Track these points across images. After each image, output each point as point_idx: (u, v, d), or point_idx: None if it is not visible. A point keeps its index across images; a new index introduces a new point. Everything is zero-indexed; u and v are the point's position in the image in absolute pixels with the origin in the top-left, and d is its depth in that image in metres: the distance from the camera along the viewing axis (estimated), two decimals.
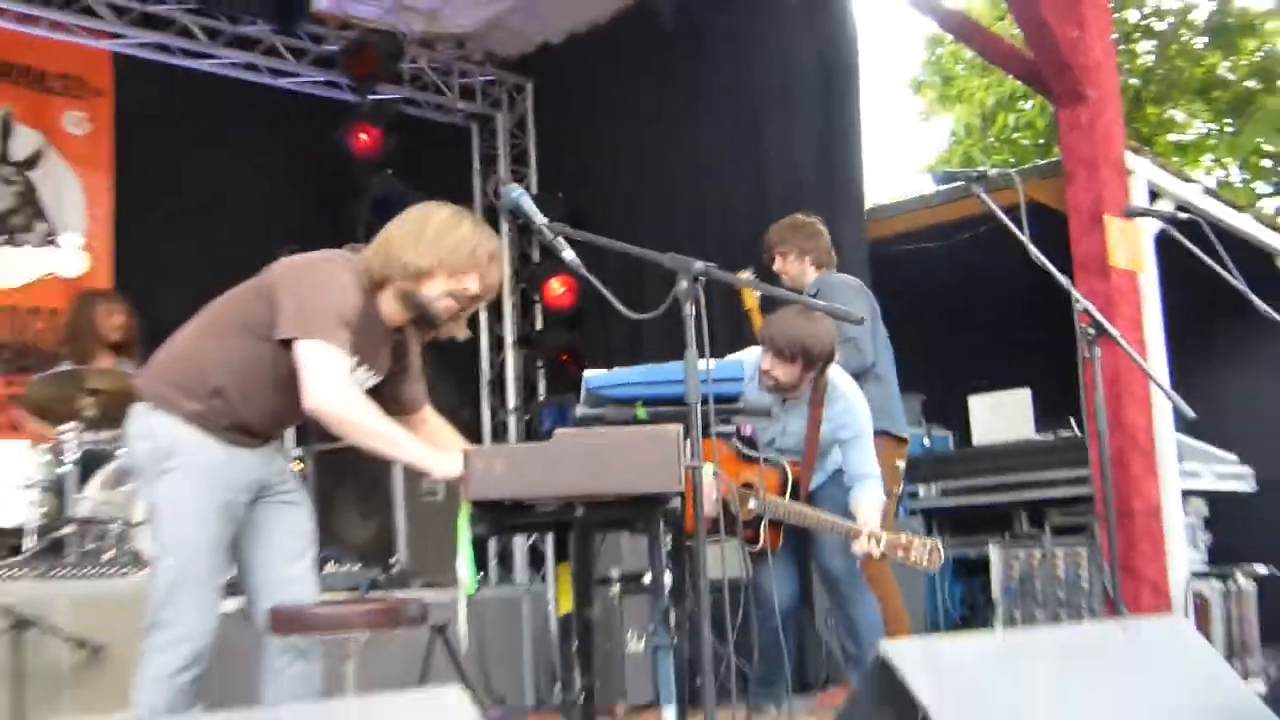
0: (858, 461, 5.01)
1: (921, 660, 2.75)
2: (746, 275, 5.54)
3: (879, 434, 5.41)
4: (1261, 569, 7.27)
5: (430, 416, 3.98)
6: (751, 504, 4.81)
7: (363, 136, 8.64)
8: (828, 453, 5.12)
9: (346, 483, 7.60)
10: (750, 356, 5.07)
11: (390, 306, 3.64)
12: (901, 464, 5.85)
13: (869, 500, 4.90)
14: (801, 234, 5.92)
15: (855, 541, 4.69)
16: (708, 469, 3.28)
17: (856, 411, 5.03)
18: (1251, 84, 16.70)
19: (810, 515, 4.87)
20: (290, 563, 3.73)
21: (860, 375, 5.46)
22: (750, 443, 4.92)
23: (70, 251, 8.16)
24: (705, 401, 3.26)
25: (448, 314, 3.64)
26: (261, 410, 3.60)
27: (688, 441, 3.07)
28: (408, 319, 3.69)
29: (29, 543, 5.83)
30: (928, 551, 4.50)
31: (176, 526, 3.51)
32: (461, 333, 3.79)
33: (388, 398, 3.76)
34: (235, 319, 3.61)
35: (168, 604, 3.47)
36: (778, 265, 5.92)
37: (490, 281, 3.67)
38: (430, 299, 3.58)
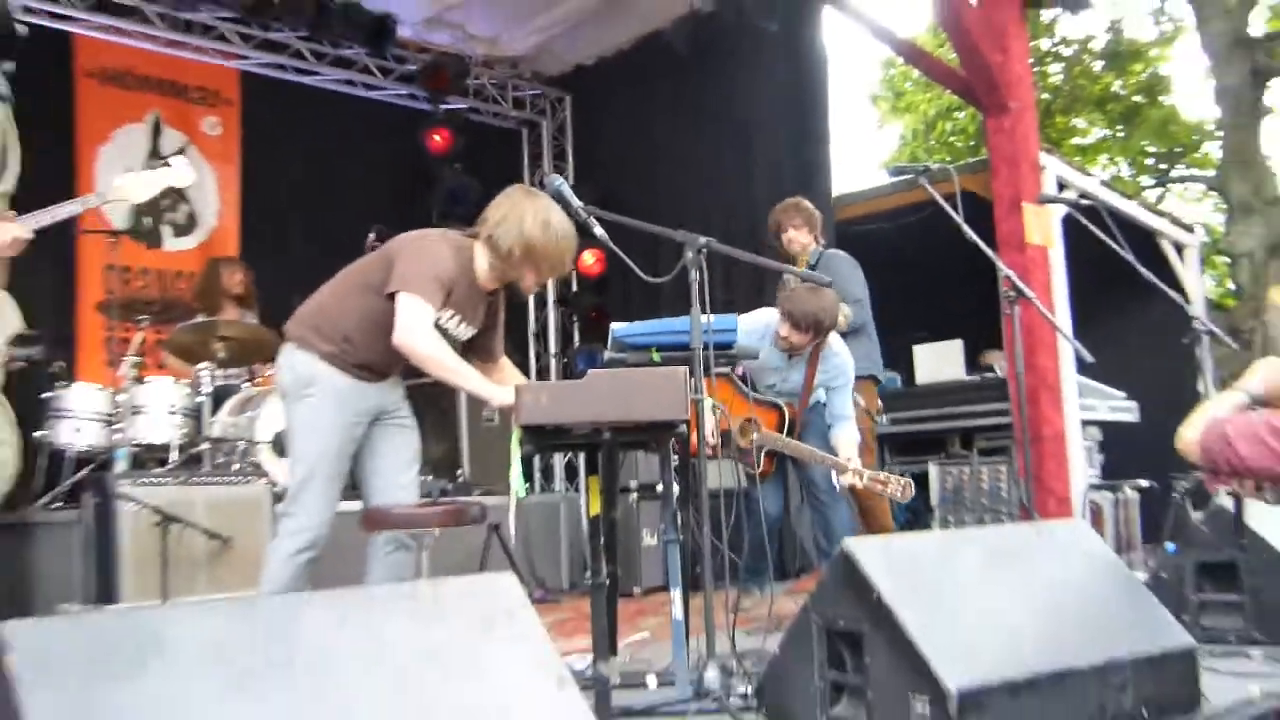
0: (840, 405, 4.99)
1: (876, 553, 2.74)
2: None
3: (865, 377, 5.46)
4: (1143, 483, 7.27)
5: (506, 365, 4.04)
6: (754, 436, 4.81)
7: (436, 138, 8.76)
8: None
9: (422, 411, 7.53)
10: (764, 317, 5.04)
11: (486, 277, 3.71)
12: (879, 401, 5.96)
13: (847, 437, 4.90)
14: (805, 212, 5.86)
15: (842, 476, 4.66)
16: (709, 403, 3.30)
17: (845, 366, 5.02)
18: (1138, 99, 16.57)
19: (804, 450, 4.85)
20: (400, 473, 3.82)
21: (857, 330, 5.56)
22: (748, 384, 4.95)
23: (205, 227, 8.16)
24: (705, 348, 3.26)
25: (531, 291, 3.85)
26: (380, 353, 3.62)
27: (691, 379, 3.06)
28: (497, 287, 3.78)
29: (173, 457, 5.85)
30: (902, 486, 4.48)
31: (309, 440, 3.59)
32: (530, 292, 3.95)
33: (479, 347, 3.86)
34: (363, 280, 3.67)
35: (295, 500, 3.56)
36: (789, 236, 5.82)
37: (566, 271, 3.88)
38: (527, 280, 3.71)
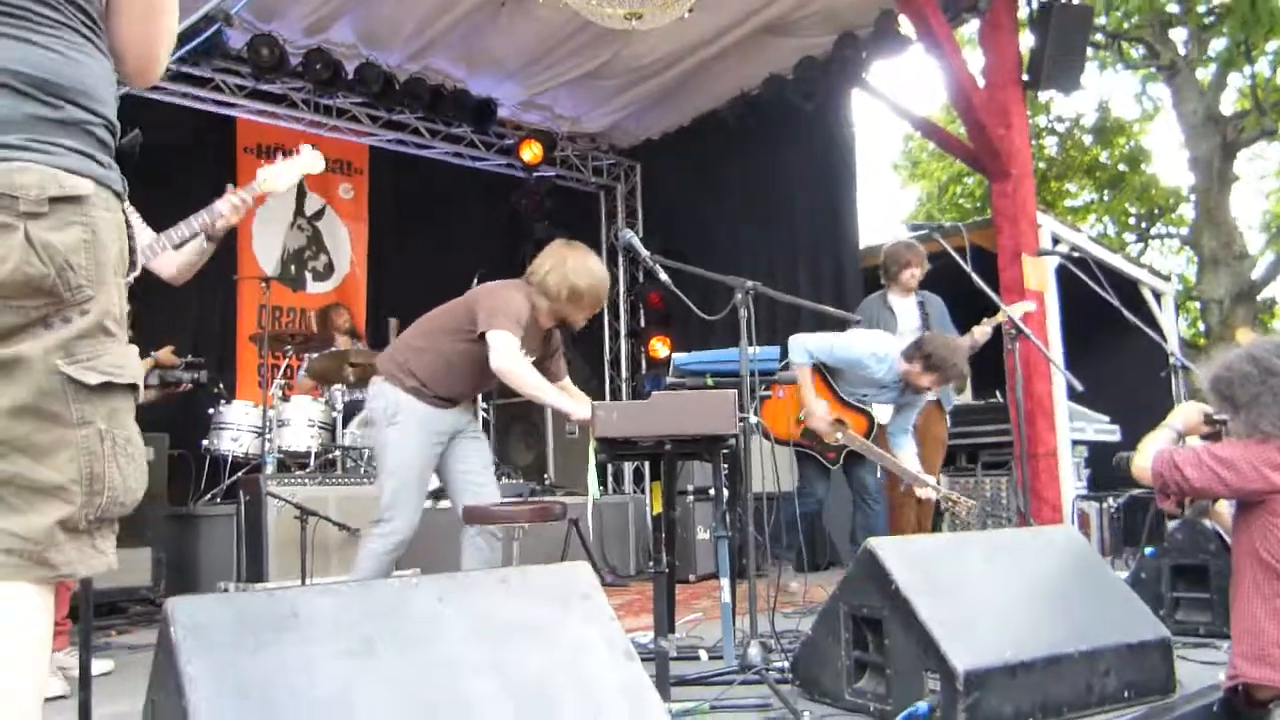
0: (905, 422, 4.87)
1: (895, 550, 2.70)
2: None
3: (935, 404, 5.36)
4: (1123, 495, 7.10)
5: (569, 385, 4.01)
6: (839, 435, 4.69)
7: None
8: None
9: (515, 424, 7.65)
10: (883, 345, 4.76)
11: (545, 317, 3.74)
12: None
13: (910, 451, 4.81)
14: (922, 253, 5.54)
15: (921, 490, 4.57)
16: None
17: (924, 395, 4.86)
18: (1122, 168, 16.27)
19: (888, 459, 4.70)
20: (479, 475, 3.82)
21: None
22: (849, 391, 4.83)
23: (340, 274, 8.29)
24: (751, 375, 3.24)
25: (580, 324, 3.83)
26: (454, 387, 3.68)
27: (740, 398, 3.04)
28: (554, 324, 3.80)
29: (311, 461, 5.93)
30: (966, 509, 4.40)
31: (399, 457, 3.61)
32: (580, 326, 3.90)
33: (542, 371, 3.80)
34: (444, 325, 3.72)
35: (389, 508, 3.59)
36: (912, 272, 5.43)
37: (603, 305, 3.86)
38: (575, 317, 3.74)
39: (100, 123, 1.40)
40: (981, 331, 5.15)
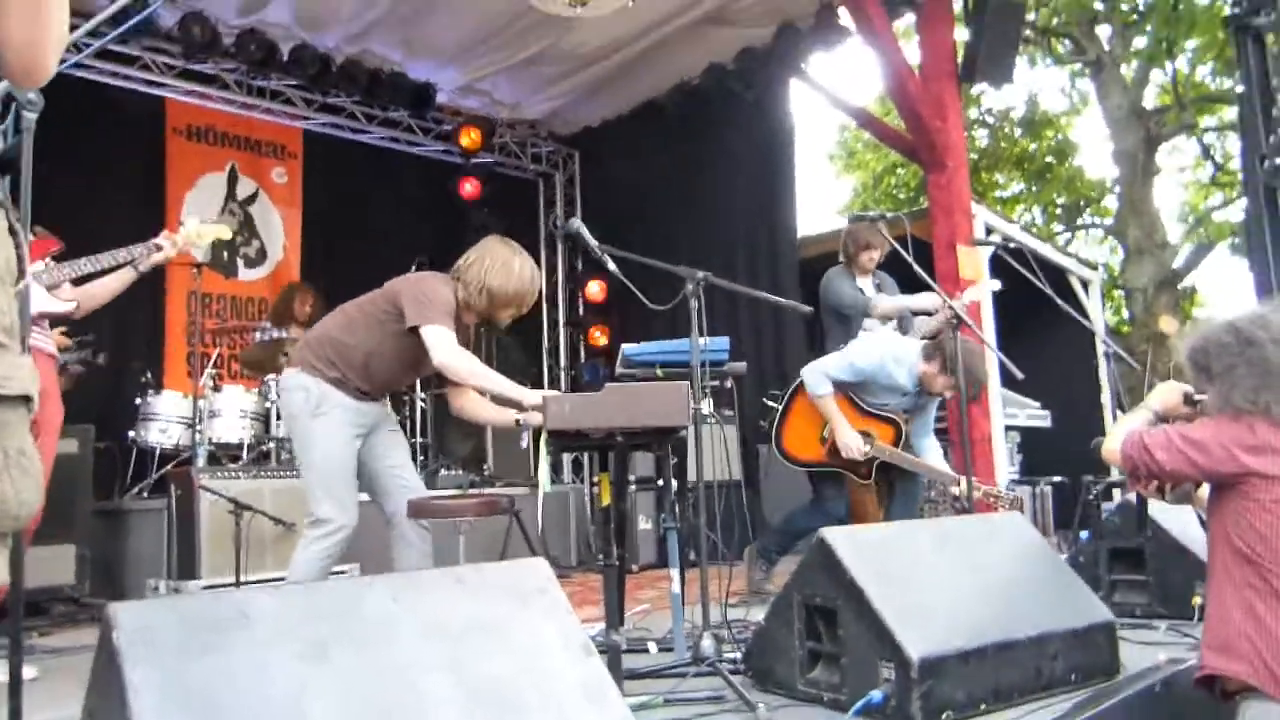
0: (925, 425, 4.74)
1: (847, 540, 2.70)
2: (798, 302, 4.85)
3: None
4: (1055, 479, 7.25)
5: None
6: (868, 448, 4.48)
7: (468, 187, 8.69)
8: None
9: (450, 415, 7.54)
10: (898, 346, 4.59)
11: (468, 314, 3.61)
12: None
13: (935, 450, 4.73)
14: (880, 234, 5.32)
15: (954, 486, 4.45)
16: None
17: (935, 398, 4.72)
18: (1050, 159, 16.61)
19: (920, 464, 4.54)
20: (406, 469, 3.69)
21: None
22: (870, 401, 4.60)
23: (273, 260, 8.09)
24: (701, 365, 3.22)
25: (506, 325, 3.68)
26: (376, 379, 3.55)
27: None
28: (478, 322, 3.67)
29: (244, 453, 5.78)
30: (1009, 502, 4.24)
31: (326, 448, 3.44)
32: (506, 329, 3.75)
33: None
34: (365, 316, 3.55)
35: (325, 502, 3.40)
36: (870, 255, 5.22)
37: (533, 303, 3.67)
38: (499, 317, 3.60)
39: None
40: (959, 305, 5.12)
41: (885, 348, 4.57)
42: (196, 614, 1.59)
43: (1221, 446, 2.34)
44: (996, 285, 5.43)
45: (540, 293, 3.79)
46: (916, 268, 4.70)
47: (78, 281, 3.62)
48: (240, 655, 1.55)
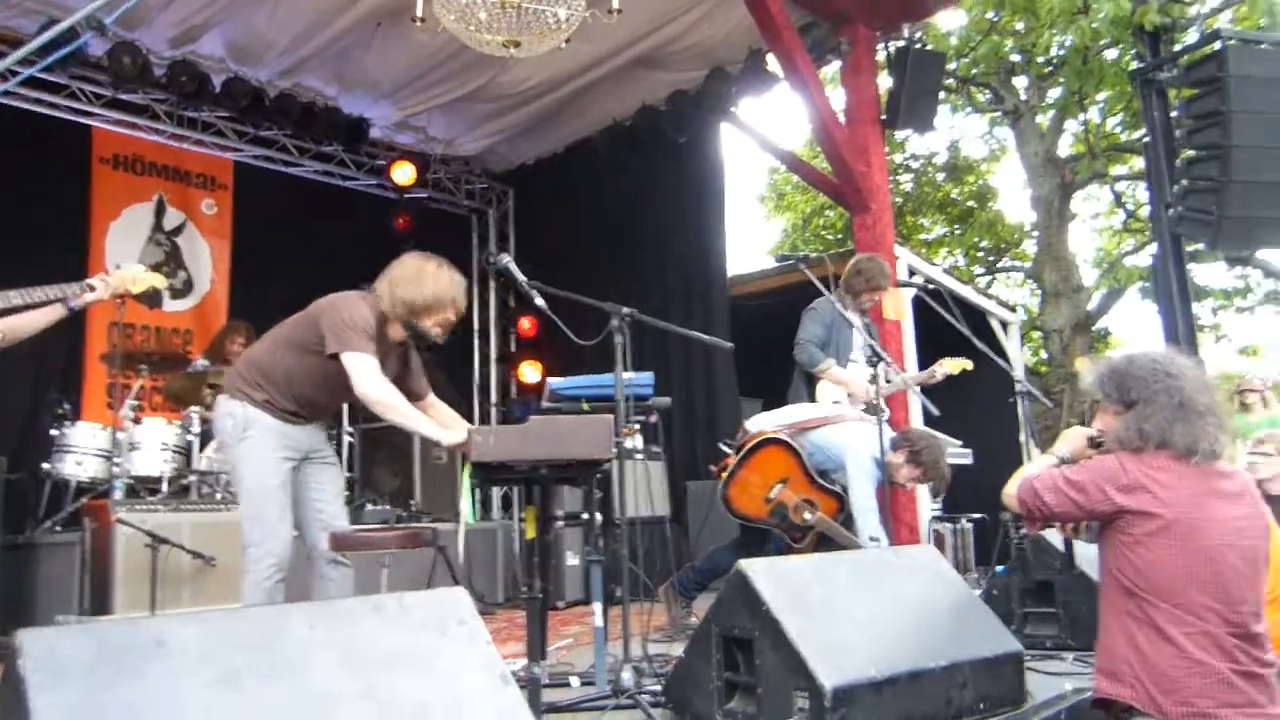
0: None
1: (765, 572, 2.75)
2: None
3: None
4: (976, 516, 7.40)
5: (435, 402, 3.80)
6: (808, 516, 4.54)
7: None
8: None
9: (381, 450, 7.47)
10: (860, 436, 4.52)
11: (395, 330, 3.54)
12: None
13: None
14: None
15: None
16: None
17: None
18: (972, 204, 17.09)
19: (855, 541, 4.50)
20: (330, 503, 3.61)
21: None
22: (821, 474, 4.62)
23: (199, 292, 7.97)
24: (626, 399, 3.27)
25: (437, 336, 3.55)
26: (305, 400, 3.50)
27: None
28: (406, 337, 3.59)
29: (164, 487, 5.66)
30: None
31: (255, 474, 3.39)
32: (440, 340, 3.59)
33: (402, 389, 3.59)
34: (292, 338, 3.51)
35: (254, 530, 3.35)
36: (877, 297, 5.24)
37: (461, 310, 3.55)
38: (426, 328, 3.50)
39: None
40: (941, 372, 5.19)
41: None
42: (111, 641, 1.57)
43: (1097, 487, 2.47)
44: (969, 365, 5.40)
45: (472, 327, 3.77)
46: (838, 306, 4.85)
47: (1, 313, 3.56)
48: (154, 683, 1.54)
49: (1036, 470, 2.69)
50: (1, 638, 4.79)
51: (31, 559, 5.30)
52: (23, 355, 5.65)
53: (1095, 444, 2.74)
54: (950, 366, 5.28)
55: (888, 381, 4.66)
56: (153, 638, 1.61)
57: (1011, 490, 2.65)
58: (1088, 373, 2.71)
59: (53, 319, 3.62)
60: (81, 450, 5.69)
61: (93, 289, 3.59)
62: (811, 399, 5.17)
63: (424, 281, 3.45)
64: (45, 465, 5.64)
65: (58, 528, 5.58)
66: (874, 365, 4.39)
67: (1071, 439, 2.82)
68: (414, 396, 3.70)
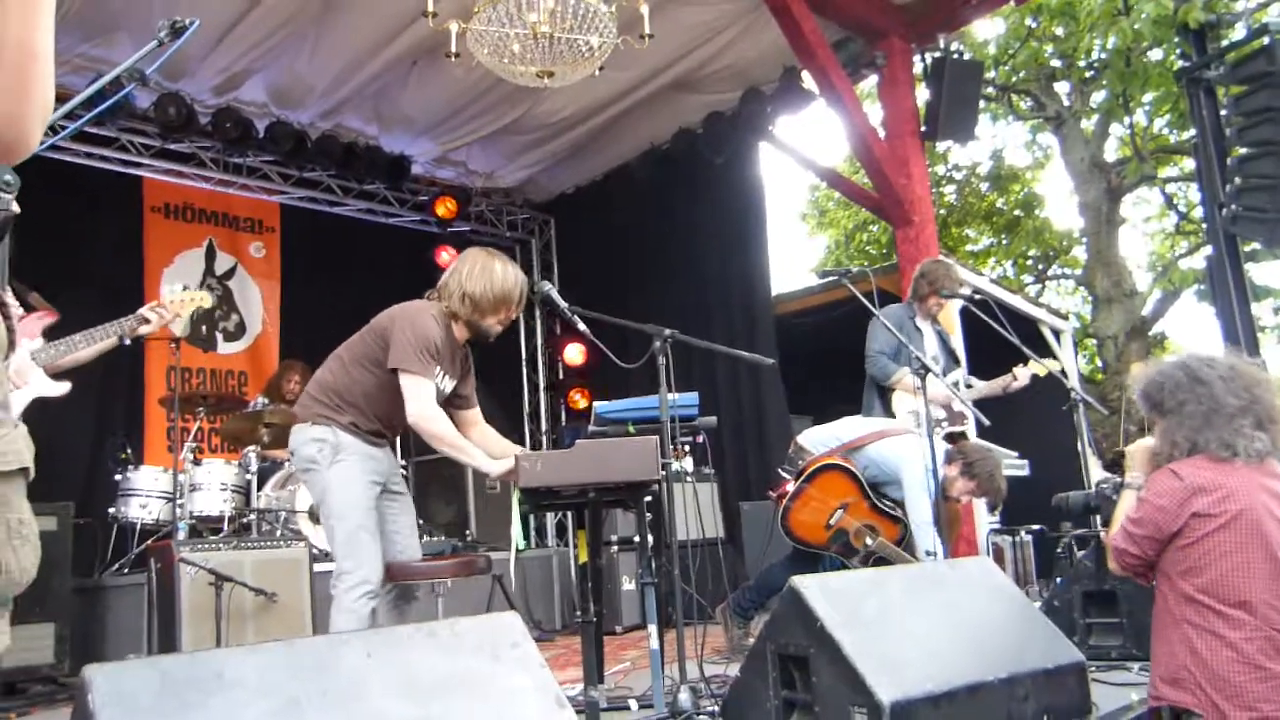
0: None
1: (818, 588, 2.74)
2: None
3: None
4: (1034, 528, 7.27)
5: (488, 429, 3.78)
6: (869, 541, 4.55)
7: (444, 255, 8.71)
8: None
9: (435, 481, 7.56)
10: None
11: (460, 332, 3.61)
12: None
13: None
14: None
15: None
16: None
17: None
18: (1018, 213, 16.91)
19: (909, 562, 4.45)
20: (408, 536, 3.63)
21: None
22: (878, 493, 4.64)
23: (252, 333, 8.15)
24: (671, 420, 3.28)
25: (496, 333, 3.64)
26: (385, 416, 3.51)
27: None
28: (469, 338, 3.65)
29: (225, 526, 5.77)
30: None
31: (348, 496, 3.37)
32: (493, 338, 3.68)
33: (458, 395, 3.68)
34: (362, 355, 3.53)
35: (349, 555, 3.32)
36: (941, 301, 5.20)
37: (520, 307, 3.64)
38: (488, 326, 3.58)
39: None
40: (1024, 375, 5.14)
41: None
42: (173, 674, 1.62)
43: (1160, 510, 2.45)
44: (1057, 366, 5.27)
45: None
46: (883, 320, 4.83)
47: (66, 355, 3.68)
48: (216, 714, 1.58)
49: (1121, 519, 2.63)
50: (72, 678, 4.94)
51: (100, 601, 5.43)
52: (85, 403, 5.85)
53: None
54: (1035, 368, 5.19)
55: (968, 387, 4.62)
56: (213, 671, 1.65)
57: (1113, 564, 2.61)
58: (1133, 385, 2.67)
59: (108, 347, 3.74)
60: (145, 493, 5.83)
61: (146, 320, 3.70)
62: (887, 411, 5.15)
63: (491, 277, 3.52)
64: (111, 510, 5.79)
65: (125, 570, 5.72)
66: (950, 370, 4.32)
67: (1139, 458, 2.73)
68: (466, 402, 3.73)
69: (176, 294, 3.94)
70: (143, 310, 3.78)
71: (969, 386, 4.61)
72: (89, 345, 3.64)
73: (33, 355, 3.56)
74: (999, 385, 5.11)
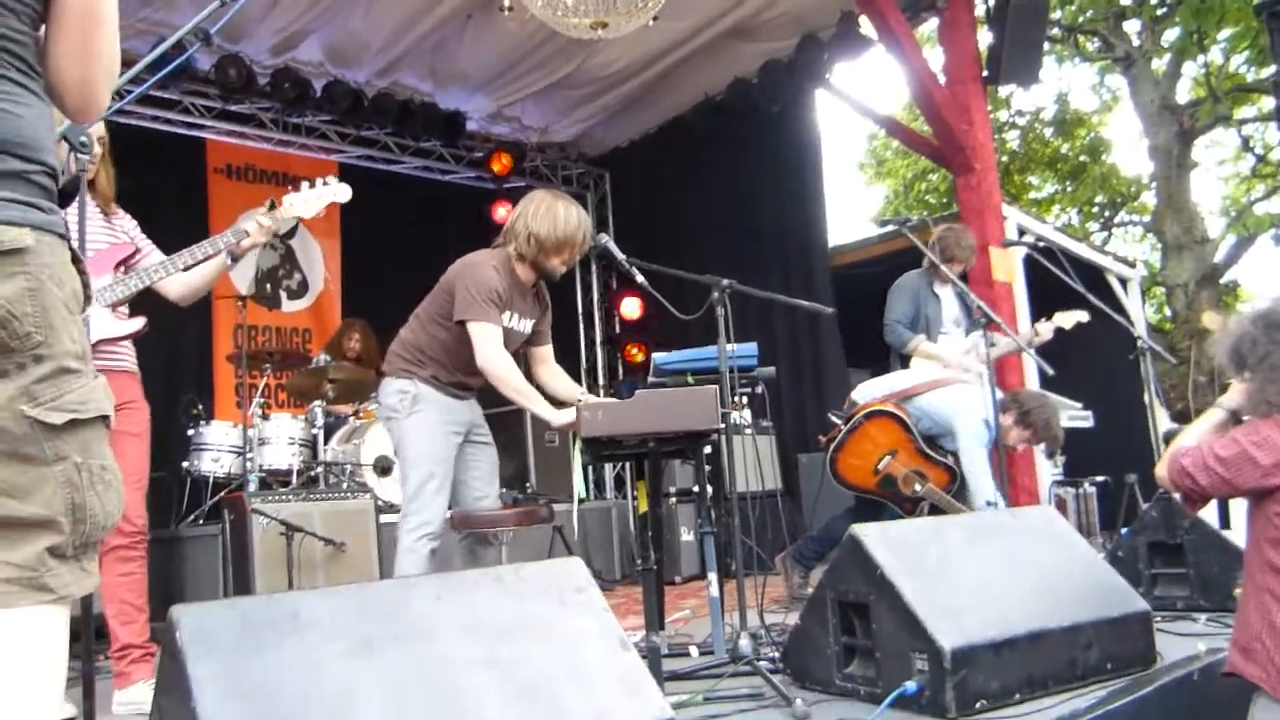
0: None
1: (878, 536, 2.75)
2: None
3: None
4: (1099, 479, 7.19)
5: (549, 356, 3.91)
6: (917, 487, 4.57)
7: (501, 211, 8.74)
8: None
9: (496, 435, 7.61)
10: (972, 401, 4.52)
11: (525, 273, 3.68)
12: None
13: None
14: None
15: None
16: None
17: None
18: (1083, 159, 16.49)
19: (959, 510, 4.46)
20: (487, 484, 3.76)
21: None
22: (931, 442, 4.65)
23: (315, 291, 8.29)
24: (730, 371, 3.29)
25: (560, 273, 3.72)
26: (462, 369, 3.61)
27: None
28: (537, 278, 3.74)
29: (294, 479, 5.93)
30: None
31: (424, 445, 3.53)
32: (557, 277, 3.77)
33: (537, 333, 3.81)
34: (435, 312, 3.66)
35: (415, 499, 3.48)
36: (955, 270, 5.05)
37: (584, 248, 3.71)
38: (553, 266, 3.66)
39: (40, 170, 1.40)
40: (1047, 329, 5.09)
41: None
42: (252, 615, 1.69)
43: (1248, 461, 2.27)
44: (1084, 317, 5.20)
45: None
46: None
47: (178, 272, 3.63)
48: (292, 652, 1.65)
49: (1203, 430, 2.48)
50: (155, 623, 5.14)
51: (177, 552, 5.63)
52: (157, 361, 6.00)
53: (1238, 419, 2.48)
54: (1061, 320, 5.12)
55: (992, 345, 4.57)
56: (288, 612, 1.72)
57: (1162, 472, 2.44)
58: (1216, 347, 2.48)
59: (221, 269, 3.73)
60: (216, 448, 6.01)
61: (248, 234, 3.63)
62: None
63: (556, 218, 3.59)
64: (184, 464, 5.98)
65: (200, 521, 5.92)
66: (971, 332, 4.30)
67: (1239, 389, 2.48)
68: (542, 339, 3.87)
69: (297, 195, 3.90)
70: (244, 223, 3.67)
71: (992, 345, 4.56)
72: (191, 259, 3.53)
73: (97, 294, 3.44)
74: (1023, 341, 5.03)
